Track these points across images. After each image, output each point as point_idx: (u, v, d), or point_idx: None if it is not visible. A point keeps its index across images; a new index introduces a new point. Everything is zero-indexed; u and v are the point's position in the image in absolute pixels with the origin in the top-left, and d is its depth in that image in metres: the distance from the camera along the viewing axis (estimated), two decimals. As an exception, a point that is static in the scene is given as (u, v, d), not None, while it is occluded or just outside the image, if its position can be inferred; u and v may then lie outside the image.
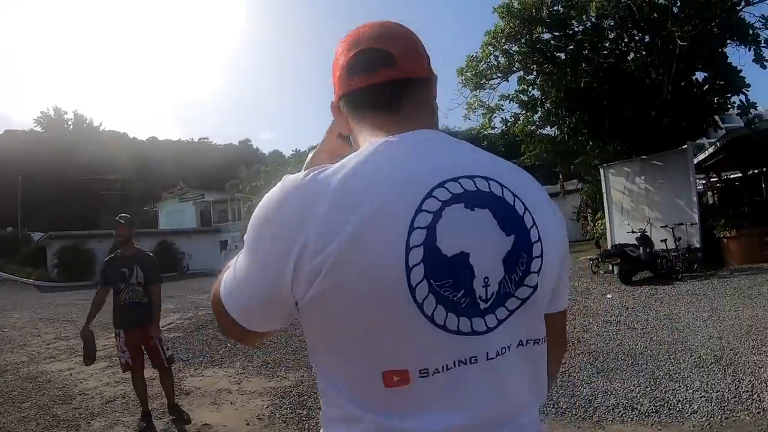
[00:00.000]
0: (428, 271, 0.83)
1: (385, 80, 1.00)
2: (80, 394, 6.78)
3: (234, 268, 0.96)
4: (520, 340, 0.93)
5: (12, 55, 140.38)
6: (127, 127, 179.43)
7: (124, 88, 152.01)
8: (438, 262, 0.84)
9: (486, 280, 0.87)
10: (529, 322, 0.94)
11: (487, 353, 0.88)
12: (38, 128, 72.39)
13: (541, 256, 0.93)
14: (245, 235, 0.94)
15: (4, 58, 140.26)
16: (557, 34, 17.38)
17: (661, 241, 13.07)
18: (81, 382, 7.43)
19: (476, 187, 0.90)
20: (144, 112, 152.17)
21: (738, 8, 14.84)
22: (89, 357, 5.31)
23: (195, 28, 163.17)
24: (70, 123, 73.20)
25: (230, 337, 1.09)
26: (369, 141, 0.97)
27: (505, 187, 0.93)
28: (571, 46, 17.11)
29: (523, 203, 0.94)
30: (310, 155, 1.24)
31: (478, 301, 0.87)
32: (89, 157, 62.94)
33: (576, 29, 17.45)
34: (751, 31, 14.84)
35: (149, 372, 5.57)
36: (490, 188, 0.91)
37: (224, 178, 49.83)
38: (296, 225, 0.85)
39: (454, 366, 0.87)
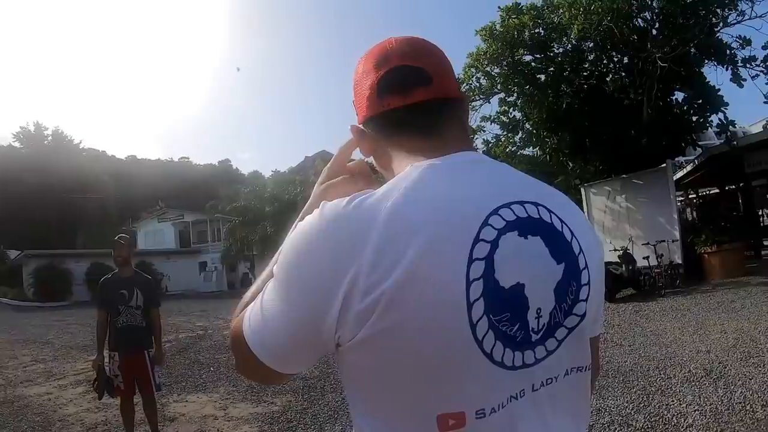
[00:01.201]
0: (488, 306, 0.78)
1: (421, 100, 0.93)
2: (59, 420, 6.58)
3: (261, 304, 0.87)
4: (567, 369, 0.89)
5: None
6: (106, 145, 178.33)
7: (104, 106, 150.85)
8: (497, 295, 0.78)
9: (539, 311, 0.83)
10: (576, 351, 0.90)
11: (533, 385, 0.84)
12: (16, 143, 71.61)
13: (588, 283, 0.90)
14: (276, 268, 0.85)
15: None
16: (538, 56, 17.64)
17: (644, 258, 13.21)
18: (60, 408, 7.21)
19: (527, 213, 0.85)
20: (124, 130, 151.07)
21: (716, 29, 15.15)
22: (104, 390, 5.15)
23: (176, 49, 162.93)
24: (49, 138, 72.45)
25: (251, 377, 1.02)
26: (409, 165, 0.89)
27: (553, 213, 0.89)
28: (552, 68, 17.35)
29: (570, 229, 0.90)
30: (324, 174, 1.11)
31: (531, 333, 0.82)
32: (67, 174, 62.22)
33: (557, 51, 17.73)
34: (728, 52, 15.11)
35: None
36: (539, 214, 0.87)
37: (204, 199, 49.40)
38: (344, 258, 0.78)
39: (508, 402, 0.81)
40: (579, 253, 0.89)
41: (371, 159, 1.08)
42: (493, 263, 0.78)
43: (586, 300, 0.89)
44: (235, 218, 37.81)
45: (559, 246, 0.87)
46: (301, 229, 0.85)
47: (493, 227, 0.80)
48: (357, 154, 1.10)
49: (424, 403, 0.79)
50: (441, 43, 1.02)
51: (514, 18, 16.83)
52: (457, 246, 0.78)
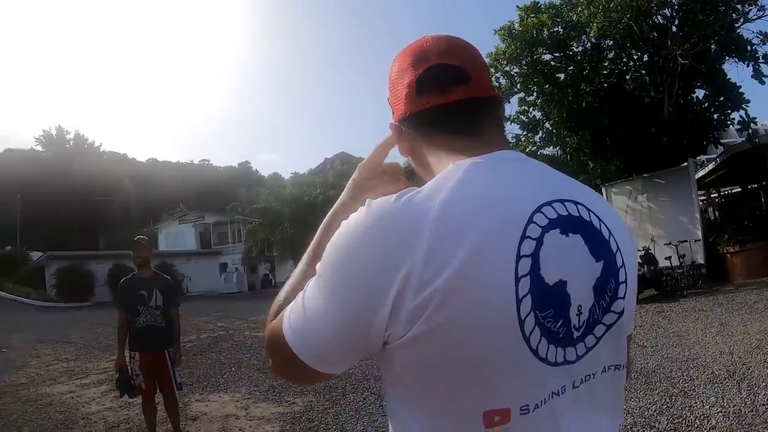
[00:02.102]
0: (535, 302, 0.78)
1: (460, 99, 0.93)
2: (82, 419, 6.64)
3: (303, 304, 0.86)
4: (604, 367, 0.90)
5: (12, 75, 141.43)
6: (127, 148, 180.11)
7: (124, 109, 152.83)
8: (542, 291, 0.79)
9: (579, 308, 0.84)
10: (614, 348, 0.91)
11: (573, 382, 0.85)
12: (38, 147, 72.69)
13: (626, 281, 0.91)
14: (320, 267, 0.85)
15: (4, 78, 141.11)
16: (557, 55, 17.57)
17: (665, 258, 13.07)
18: (83, 406, 7.29)
19: (567, 211, 0.86)
20: (144, 133, 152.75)
21: (736, 25, 14.98)
22: (124, 389, 5.22)
23: (196, 51, 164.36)
24: (70, 142, 73.42)
25: (289, 378, 1.02)
26: (451, 163, 0.89)
27: (591, 211, 0.90)
28: (572, 67, 17.28)
29: (607, 228, 0.91)
30: (359, 171, 1.10)
31: (572, 330, 0.83)
32: (89, 177, 63.03)
33: (576, 50, 17.65)
34: (749, 48, 14.94)
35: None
36: (579, 212, 0.88)
37: (224, 200, 49.77)
38: (397, 255, 0.77)
39: (550, 398, 0.82)
40: (616, 251, 0.90)
41: (399, 157, 1.09)
42: (539, 260, 0.79)
43: (623, 297, 0.90)
44: (256, 220, 38.04)
45: (598, 244, 0.88)
46: (349, 226, 0.84)
47: (537, 225, 0.81)
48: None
49: (472, 400, 0.80)
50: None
51: (533, 17, 16.79)
52: (505, 243, 0.79)
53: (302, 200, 35.17)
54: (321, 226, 1.04)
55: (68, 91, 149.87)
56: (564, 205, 0.86)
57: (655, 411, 5.04)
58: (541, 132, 18.81)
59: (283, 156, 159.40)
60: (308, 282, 0.87)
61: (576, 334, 0.84)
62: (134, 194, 64.80)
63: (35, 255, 41.28)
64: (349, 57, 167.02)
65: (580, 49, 17.65)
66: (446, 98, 0.94)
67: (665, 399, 5.34)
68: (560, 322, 0.81)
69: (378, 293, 0.78)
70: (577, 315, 0.83)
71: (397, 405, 0.88)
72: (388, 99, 1.04)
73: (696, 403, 5.13)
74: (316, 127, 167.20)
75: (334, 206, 1.06)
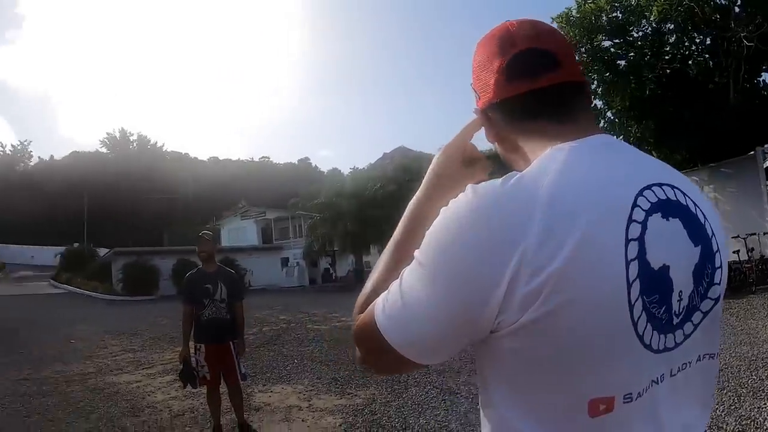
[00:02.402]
0: (642, 287, 0.77)
1: (552, 84, 0.92)
2: (148, 407, 6.85)
3: (400, 293, 0.83)
4: (699, 355, 0.89)
5: (76, 82, 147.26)
6: (188, 147, 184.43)
7: (185, 110, 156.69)
8: (649, 276, 0.78)
9: (680, 293, 0.83)
10: (709, 336, 0.90)
11: (671, 370, 0.84)
12: (103, 149, 75.62)
13: (720, 267, 0.90)
14: (423, 255, 0.82)
15: (69, 85, 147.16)
16: (617, 41, 17.09)
17: (733, 252, 12.58)
18: (148, 395, 7.52)
19: (666, 195, 0.85)
20: (205, 133, 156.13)
21: (806, 1, 14.20)
22: (188, 380, 5.35)
23: (255, 51, 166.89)
24: (134, 143, 76.01)
25: (378, 369, 0.99)
26: (548, 148, 0.87)
27: (687, 196, 0.89)
28: (632, 54, 16.79)
29: (702, 212, 0.89)
30: (441, 156, 1.07)
31: (673, 316, 0.82)
32: (152, 176, 65.19)
33: (636, 35, 17.12)
34: (820, 25, 14.15)
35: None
36: (676, 197, 0.87)
37: (285, 196, 50.43)
38: (510, 240, 0.75)
39: (650, 387, 0.82)
40: (712, 237, 0.89)
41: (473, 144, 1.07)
42: (644, 244, 0.78)
43: (719, 284, 0.89)
44: (316, 215, 38.35)
45: (696, 228, 0.87)
46: (455, 212, 0.82)
47: (641, 208, 0.80)
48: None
49: (579, 387, 0.79)
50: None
51: (591, 2, 16.38)
52: (614, 227, 0.78)
53: (362, 195, 35.23)
54: (405, 215, 1.03)
55: (130, 96, 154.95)
56: (662, 189, 0.86)
57: (722, 411, 4.91)
58: (602, 122, 18.29)
59: (342, 152, 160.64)
60: (403, 271, 0.85)
61: (676, 320, 0.83)
62: (196, 192, 66.46)
63: (102, 251, 43.06)
64: (406, 53, 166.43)
65: (640, 34, 17.10)
66: (538, 84, 0.92)
67: (733, 399, 5.19)
68: (663, 308, 0.81)
69: (491, 279, 0.76)
70: (677, 301, 0.83)
71: (496, 395, 0.87)
72: (472, 85, 1.03)
73: (766, 404, 4.98)
74: (375, 123, 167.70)
75: (418, 194, 1.05)
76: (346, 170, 76.04)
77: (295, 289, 35.38)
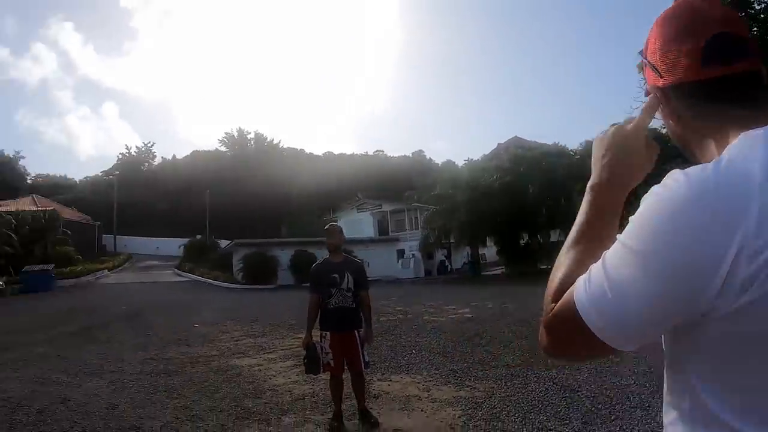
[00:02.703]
0: None
1: (743, 71, 0.89)
2: (270, 390, 7.06)
3: (605, 278, 0.83)
4: None
5: (191, 85, 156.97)
6: (304, 143, 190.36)
7: (299, 108, 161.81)
8: None
9: None
10: None
11: None
12: (222, 147, 79.76)
13: None
14: (630, 238, 0.82)
15: (185, 89, 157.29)
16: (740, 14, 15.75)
17: None
18: (270, 378, 7.75)
19: None
20: (319, 128, 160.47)
21: None
22: (312, 367, 5.46)
23: (366, 45, 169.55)
24: (251, 141, 79.55)
25: (569, 355, 1.03)
26: (741, 134, 0.85)
27: None
28: (755, 28, 15.41)
29: None
30: (617, 141, 1.03)
31: None
32: (269, 172, 67.92)
33: (757, 8, 15.77)
34: None
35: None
36: None
37: (400, 189, 50.98)
38: (729, 223, 0.75)
39: None
40: None
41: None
42: None
43: None
44: (432, 207, 38.43)
45: None
46: (670, 197, 0.81)
47: None
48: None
49: None
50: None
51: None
52: None
53: (477, 186, 34.90)
54: (586, 202, 1.01)
55: (246, 96, 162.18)
56: None
57: None
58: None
59: (456, 143, 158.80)
60: (604, 255, 0.85)
61: None
62: (312, 186, 68.51)
63: (223, 243, 45.42)
64: (520, 42, 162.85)
65: (761, 6, 15.74)
66: (731, 69, 0.89)
67: None
68: None
69: (711, 262, 0.75)
70: None
71: (694, 379, 0.85)
72: (648, 62, 1.00)
73: None
74: (488, 113, 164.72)
75: (595, 180, 1.02)
76: (460, 162, 75.89)
77: (411, 280, 35.60)
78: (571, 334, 0.87)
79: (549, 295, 0.94)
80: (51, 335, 12.64)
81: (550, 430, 4.84)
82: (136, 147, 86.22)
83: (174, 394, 7.06)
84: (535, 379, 6.68)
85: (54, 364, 9.31)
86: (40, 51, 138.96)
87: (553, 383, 6.38)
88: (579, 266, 0.90)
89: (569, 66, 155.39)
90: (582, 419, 5.08)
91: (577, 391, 6.01)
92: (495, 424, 5.14)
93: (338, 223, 6.08)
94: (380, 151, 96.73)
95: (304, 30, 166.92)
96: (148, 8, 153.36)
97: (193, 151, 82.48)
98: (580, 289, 0.85)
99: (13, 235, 31.54)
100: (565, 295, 0.89)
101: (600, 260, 0.85)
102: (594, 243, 0.92)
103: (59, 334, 12.84)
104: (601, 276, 0.83)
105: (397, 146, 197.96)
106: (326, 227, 5.75)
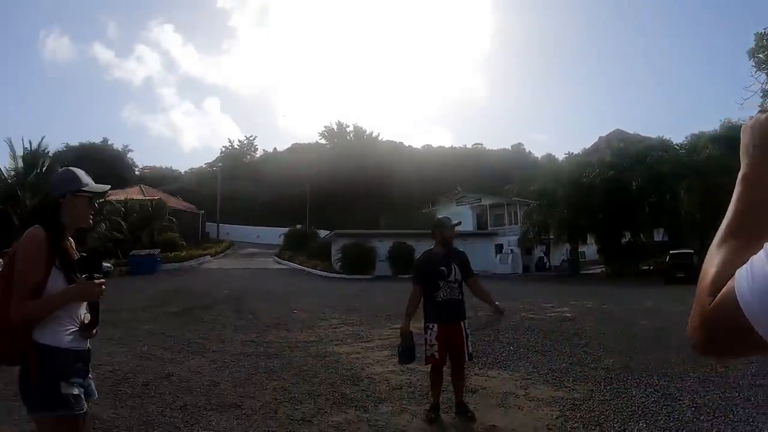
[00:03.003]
0: None
1: None
2: (367, 378, 7.23)
3: None
4: None
5: (290, 80, 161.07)
6: (402, 136, 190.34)
7: (396, 100, 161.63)
8: None
9: None
10: None
11: None
12: (322, 140, 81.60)
13: None
14: None
15: (286, 82, 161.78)
16: None
17: None
18: (367, 366, 7.94)
19: None
20: (417, 122, 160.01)
21: None
22: (406, 355, 5.55)
23: (462, 36, 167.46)
24: (350, 134, 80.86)
25: (721, 352, 1.02)
26: None
27: None
28: None
29: None
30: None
31: None
32: (368, 164, 68.76)
33: None
34: None
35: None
36: None
37: (499, 183, 50.39)
38: None
39: None
40: None
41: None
42: None
43: None
44: (532, 202, 37.80)
45: None
46: None
47: None
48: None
49: None
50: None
51: None
52: None
53: (579, 182, 34.00)
54: (742, 192, 0.97)
55: (344, 90, 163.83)
56: None
57: None
58: None
59: (556, 136, 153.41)
60: (766, 245, 0.81)
61: None
62: (411, 178, 68.74)
63: (322, 233, 46.63)
64: (623, 29, 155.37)
65: None
66: None
67: None
68: None
69: None
70: None
71: None
72: None
73: None
74: (588, 104, 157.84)
75: (748, 169, 0.98)
76: (560, 155, 73.92)
77: (509, 276, 35.20)
78: (730, 330, 0.84)
79: (704, 290, 0.91)
80: (156, 314, 13.56)
81: (650, 438, 4.75)
82: (239, 140, 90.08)
83: (273, 376, 7.40)
84: (635, 384, 6.55)
85: (158, 341, 9.97)
86: (143, 52, 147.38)
87: (654, 390, 6.23)
88: (733, 262, 0.86)
89: (674, 53, 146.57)
90: (683, 430, 4.96)
91: (679, 400, 5.84)
92: (593, 428, 5.09)
93: (438, 216, 6.14)
94: (479, 144, 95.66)
95: (401, 21, 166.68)
96: (245, 7, 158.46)
97: (294, 144, 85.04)
98: (742, 283, 0.81)
99: (122, 222, 34.10)
100: (723, 289, 0.86)
101: (763, 252, 0.81)
102: (748, 238, 0.89)
103: (163, 313, 13.75)
104: (765, 269, 0.79)
105: (496, 139, 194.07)
106: (438, 219, 5.76)
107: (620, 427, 5.12)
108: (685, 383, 6.52)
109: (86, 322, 2.77)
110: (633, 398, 5.99)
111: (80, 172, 2.87)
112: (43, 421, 2.61)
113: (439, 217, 5.90)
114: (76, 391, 2.63)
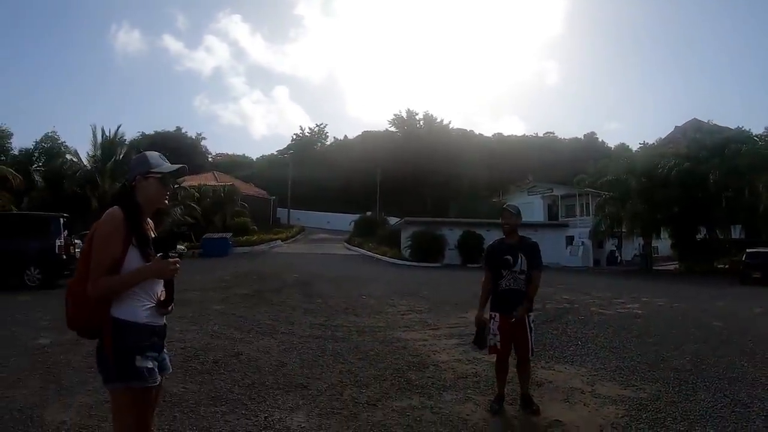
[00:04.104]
0: None
1: None
2: (433, 365, 7.32)
3: None
4: None
5: (360, 66, 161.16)
6: (473, 124, 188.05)
7: (468, 88, 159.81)
8: None
9: None
10: None
11: None
12: (392, 128, 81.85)
13: None
14: None
15: (354, 70, 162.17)
16: None
17: None
18: (434, 354, 8.02)
19: None
20: (488, 110, 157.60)
21: None
22: (481, 343, 5.56)
23: (531, 22, 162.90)
24: (420, 123, 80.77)
25: None
26: None
27: None
28: None
29: None
30: None
31: None
32: (439, 152, 68.59)
33: None
34: None
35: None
36: None
37: (570, 173, 49.35)
38: None
39: None
40: None
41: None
42: None
43: None
44: (604, 193, 36.92)
45: None
46: None
47: None
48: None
49: None
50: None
51: None
52: None
53: (653, 173, 32.88)
54: None
55: (413, 77, 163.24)
56: None
57: None
58: None
59: (630, 125, 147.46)
60: None
61: None
62: (482, 167, 68.19)
63: (392, 220, 46.95)
64: (701, 13, 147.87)
65: None
66: None
67: None
68: None
69: None
70: None
71: None
72: None
73: None
74: (664, 92, 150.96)
75: None
76: (634, 145, 71.73)
77: (579, 269, 34.58)
78: None
79: None
80: (227, 295, 14.02)
81: (717, 444, 4.65)
82: (309, 128, 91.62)
83: (340, 359, 7.59)
84: (705, 387, 6.42)
85: (229, 321, 10.35)
86: (212, 42, 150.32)
87: (724, 395, 6.09)
88: None
89: (754, 38, 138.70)
90: None
91: (749, 406, 5.69)
92: (659, 429, 5.03)
93: (507, 204, 6.10)
94: (550, 132, 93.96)
95: (469, 6, 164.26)
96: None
97: (364, 132, 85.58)
98: None
99: (196, 207, 35.54)
100: None
101: None
102: None
103: (234, 295, 14.19)
104: None
105: (568, 128, 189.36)
106: (503, 208, 5.75)
107: (687, 430, 5.05)
108: (756, 390, 6.34)
109: (162, 299, 2.95)
110: (701, 402, 5.89)
111: (152, 155, 3.04)
112: (117, 391, 2.78)
113: (505, 205, 5.87)
114: (150, 365, 2.80)
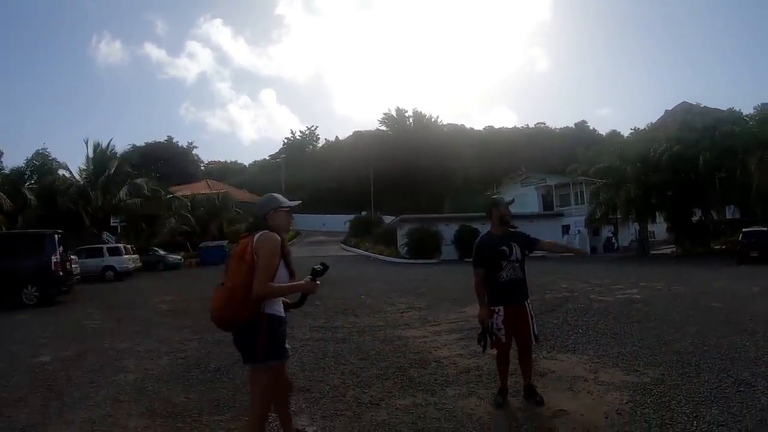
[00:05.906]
0: None
1: None
2: (434, 361, 7.30)
3: None
4: None
5: (346, 65, 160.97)
6: (464, 118, 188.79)
7: (456, 83, 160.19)
8: None
9: None
10: None
11: None
12: (382, 127, 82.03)
13: None
14: None
15: (340, 69, 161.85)
16: None
17: None
18: (435, 350, 8.00)
19: None
20: (479, 103, 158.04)
21: None
22: (485, 339, 5.45)
23: (518, 10, 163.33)
24: (410, 120, 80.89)
25: None
26: None
27: None
28: None
29: None
30: None
31: None
32: (431, 149, 68.75)
33: None
34: None
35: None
36: None
37: (564, 162, 49.52)
38: None
39: None
40: None
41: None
42: None
43: None
44: (598, 181, 37.01)
45: None
46: None
47: None
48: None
49: None
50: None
51: None
52: None
53: (645, 158, 32.95)
54: None
55: (400, 75, 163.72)
56: None
57: None
58: None
59: (620, 110, 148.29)
60: None
61: None
62: (474, 161, 68.36)
63: (387, 218, 47.02)
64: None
65: None
66: None
67: None
68: None
69: None
70: None
71: None
72: None
73: None
74: (653, 76, 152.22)
75: None
76: (625, 131, 71.98)
77: (576, 257, 34.60)
78: None
79: None
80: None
81: (722, 425, 4.63)
82: (300, 131, 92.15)
83: (341, 360, 7.58)
84: (708, 369, 6.40)
85: None
86: (194, 48, 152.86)
87: (727, 375, 6.07)
88: None
89: (738, 20, 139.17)
90: (757, 417, 4.80)
91: (753, 386, 5.66)
92: (664, 413, 4.98)
93: (496, 195, 6.07)
94: (541, 123, 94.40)
95: (454, 12, 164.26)
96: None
97: (355, 132, 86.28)
98: None
99: (189, 216, 35.61)
100: None
101: None
102: None
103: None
104: None
105: (559, 117, 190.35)
106: (492, 198, 5.67)
107: (692, 412, 5.01)
108: (760, 368, 6.32)
109: (290, 303, 4.05)
110: (705, 383, 5.86)
111: (278, 195, 4.09)
112: (263, 368, 3.74)
113: (493, 197, 5.82)
114: (288, 346, 3.90)
